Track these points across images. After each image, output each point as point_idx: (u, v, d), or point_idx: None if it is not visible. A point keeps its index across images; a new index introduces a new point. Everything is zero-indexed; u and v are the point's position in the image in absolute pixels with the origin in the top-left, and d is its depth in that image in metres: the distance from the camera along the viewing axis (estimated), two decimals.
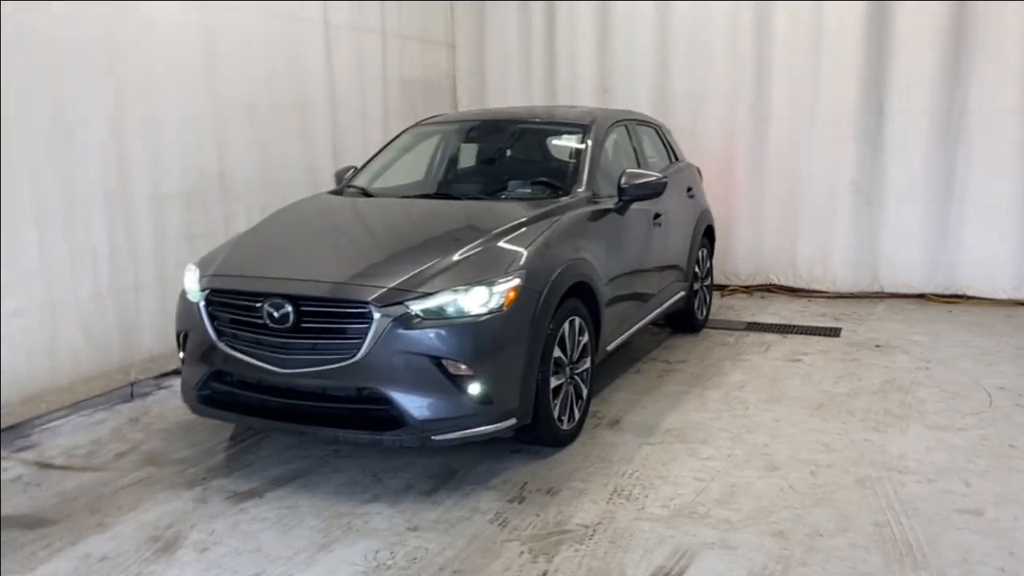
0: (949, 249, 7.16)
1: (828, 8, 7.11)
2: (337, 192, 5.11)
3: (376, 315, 3.52)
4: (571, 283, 4.05)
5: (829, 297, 7.48)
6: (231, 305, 3.84)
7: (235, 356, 3.78)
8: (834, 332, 6.32)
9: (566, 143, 5.10)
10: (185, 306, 4.06)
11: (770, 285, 7.80)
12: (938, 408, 4.63)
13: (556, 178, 4.81)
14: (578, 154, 4.89)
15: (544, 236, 4.05)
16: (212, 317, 3.88)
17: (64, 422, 4.62)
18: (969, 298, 7.15)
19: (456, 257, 3.78)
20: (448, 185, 5.18)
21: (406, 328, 3.52)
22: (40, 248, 4.51)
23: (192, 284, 4.03)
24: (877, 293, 7.42)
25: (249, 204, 5.86)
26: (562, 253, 4.08)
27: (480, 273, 3.70)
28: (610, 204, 4.72)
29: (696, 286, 6.25)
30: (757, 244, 7.80)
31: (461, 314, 3.58)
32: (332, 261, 3.96)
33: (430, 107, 7.98)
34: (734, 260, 7.88)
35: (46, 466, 4.08)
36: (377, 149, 5.68)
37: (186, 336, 4.04)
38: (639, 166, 5.43)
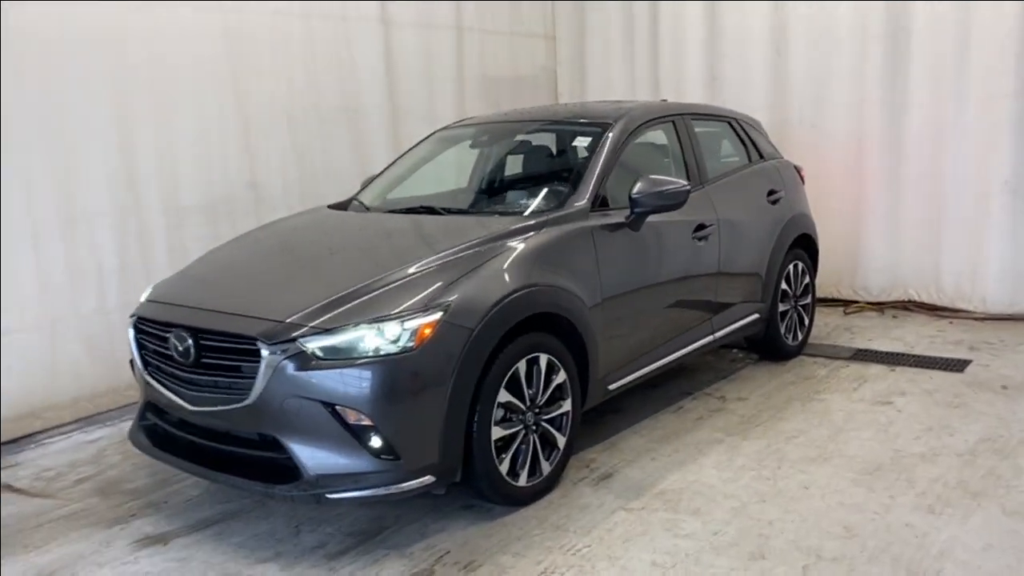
0: None
1: None
2: (340, 206, 4.72)
3: (264, 352, 3.09)
4: (527, 314, 3.41)
5: (977, 318, 6.16)
6: (151, 334, 3.57)
7: (157, 388, 3.51)
8: (959, 366, 5.13)
9: (578, 146, 4.42)
10: None
11: (907, 302, 6.57)
12: None
13: (558, 187, 4.16)
14: (586, 159, 4.19)
15: (496, 260, 3.44)
16: (140, 346, 3.63)
17: (62, 439, 4.60)
18: None
19: (378, 286, 3.27)
20: (438, 198, 4.58)
21: (300, 369, 3.06)
22: (37, 267, 4.51)
23: None
24: None
25: (287, 214, 5.65)
26: (516, 279, 3.44)
27: (396, 306, 3.17)
28: (620, 217, 4.01)
29: (784, 306, 5.31)
30: (893, 254, 6.59)
31: (364, 354, 3.07)
32: (249, 289, 3.57)
33: (520, 104, 7.46)
34: (864, 272, 6.71)
35: (8, 488, 4.03)
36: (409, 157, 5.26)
37: None
38: (687, 169, 4.64)
